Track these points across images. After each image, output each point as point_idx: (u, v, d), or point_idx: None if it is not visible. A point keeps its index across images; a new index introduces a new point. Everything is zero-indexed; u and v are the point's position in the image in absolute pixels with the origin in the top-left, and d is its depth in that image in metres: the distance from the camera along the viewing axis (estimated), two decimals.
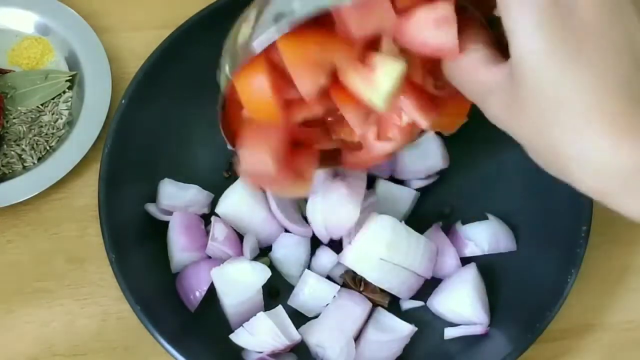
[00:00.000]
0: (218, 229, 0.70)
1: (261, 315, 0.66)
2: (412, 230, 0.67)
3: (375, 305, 0.69)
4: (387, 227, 0.66)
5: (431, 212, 0.74)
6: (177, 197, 0.72)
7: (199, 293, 0.68)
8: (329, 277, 0.71)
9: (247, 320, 0.68)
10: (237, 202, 0.71)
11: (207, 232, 0.71)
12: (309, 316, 0.70)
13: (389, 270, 0.67)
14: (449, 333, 0.69)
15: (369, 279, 0.67)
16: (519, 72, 0.43)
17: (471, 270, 0.69)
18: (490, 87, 0.46)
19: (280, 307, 0.67)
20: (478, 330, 0.68)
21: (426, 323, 0.70)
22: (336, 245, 0.71)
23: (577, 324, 0.72)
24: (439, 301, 0.69)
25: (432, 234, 0.71)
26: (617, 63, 0.42)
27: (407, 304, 0.70)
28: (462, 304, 0.68)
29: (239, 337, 0.67)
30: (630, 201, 0.43)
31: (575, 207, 0.66)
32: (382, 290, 0.69)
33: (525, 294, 0.68)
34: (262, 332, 0.65)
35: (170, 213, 0.71)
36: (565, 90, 0.42)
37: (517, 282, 0.69)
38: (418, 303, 0.70)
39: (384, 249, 0.66)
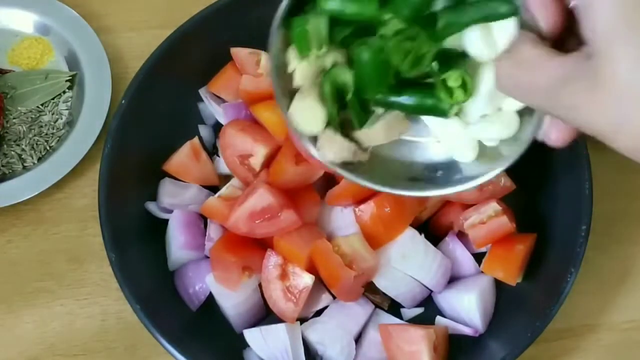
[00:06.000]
0: (213, 229, 0.70)
1: (282, 328, 0.65)
2: (430, 245, 0.68)
3: (375, 306, 0.69)
4: (405, 237, 0.67)
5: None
6: (177, 196, 0.72)
7: (198, 287, 0.68)
8: None
9: (251, 319, 0.68)
10: None
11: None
12: None
13: (399, 279, 0.67)
14: (407, 313, 0.70)
15: (377, 285, 0.67)
16: (601, 50, 0.40)
17: (486, 280, 0.69)
18: (562, 77, 0.43)
19: (298, 326, 0.67)
20: (467, 332, 0.68)
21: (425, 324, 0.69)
22: None
23: (577, 324, 0.72)
24: (445, 295, 0.69)
25: (448, 242, 0.70)
26: None
27: (409, 313, 0.70)
28: (463, 305, 0.67)
29: (250, 336, 0.67)
30: None
31: (575, 206, 0.66)
32: (383, 292, 0.69)
33: (525, 294, 0.68)
34: (274, 344, 0.65)
35: (170, 212, 0.71)
36: None
37: (518, 282, 0.69)
38: (419, 310, 0.70)
39: (399, 259, 0.66)
